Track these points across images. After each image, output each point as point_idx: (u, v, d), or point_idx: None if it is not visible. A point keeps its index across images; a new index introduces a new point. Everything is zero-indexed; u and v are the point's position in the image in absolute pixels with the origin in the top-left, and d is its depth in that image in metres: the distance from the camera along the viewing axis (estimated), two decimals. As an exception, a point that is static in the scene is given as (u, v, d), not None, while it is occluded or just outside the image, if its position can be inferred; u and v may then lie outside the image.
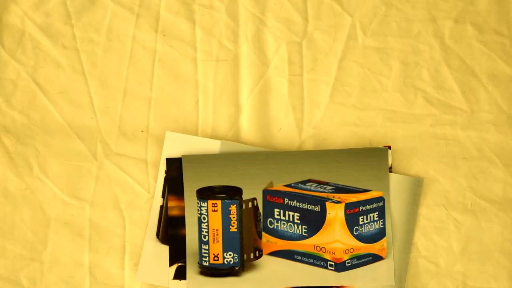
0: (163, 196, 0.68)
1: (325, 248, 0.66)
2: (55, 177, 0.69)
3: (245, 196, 0.66)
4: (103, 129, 0.70)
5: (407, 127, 0.70)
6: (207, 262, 0.66)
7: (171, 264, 0.67)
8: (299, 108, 0.70)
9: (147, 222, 0.69)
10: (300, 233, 0.67)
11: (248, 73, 0.71)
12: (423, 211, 0.69)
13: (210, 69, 0.71)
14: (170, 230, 0.67)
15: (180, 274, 0.67)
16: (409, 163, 0.69)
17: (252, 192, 0.67)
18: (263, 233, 0.68)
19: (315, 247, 0.66)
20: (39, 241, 0.69)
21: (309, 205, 0.65)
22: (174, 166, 0.68)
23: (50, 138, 0.69)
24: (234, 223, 0.65)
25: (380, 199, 0.67)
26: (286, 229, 0.67)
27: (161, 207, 0.68)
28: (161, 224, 0.67)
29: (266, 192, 0.67)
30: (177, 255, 0.67)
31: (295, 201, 0.66)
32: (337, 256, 0.66)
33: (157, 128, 0.70)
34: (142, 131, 0.69)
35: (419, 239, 0.68)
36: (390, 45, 0.71)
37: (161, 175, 0.68)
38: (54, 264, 0.68)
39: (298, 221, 0.66)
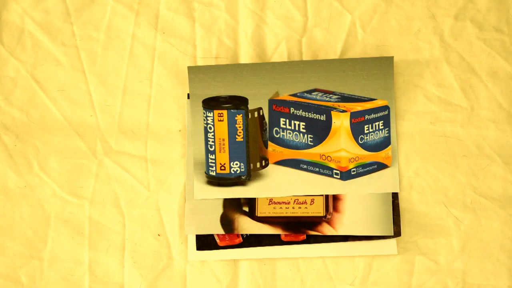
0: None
1: (330, 157, 0.66)
2: (54, 175, 0.69)
3: (251, 106, 0.66)
4: (102, 127, 0.70)
5: (407, 124, 0.70)
6: (214, 172, 0.67)
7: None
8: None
9: (147, 220, 0.69)
10: (306, 142, 0.67)
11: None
12: (423, 208, 0.69)
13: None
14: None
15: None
16: (408, 160, 0.69)
17: (258, 102, 0.68)
18: (269, 143, 0.69)
19: (321, 156, 0.67)
20: (38, 238, 0.69)
21: (314, 115, 0.66)
22: None
23: (49, 135, 0.69)
24: (240, 132, 0.66)
25: (385, 108, 0.67)
26: (292, 139, 0.67)
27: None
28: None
29: (272, 102, 0.68)
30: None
31: (301, 110, 0.66)
32: (343, 164, 0.66)
33: (156, 125, 0.70)
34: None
35: (419, 236, 0.68)
36: (389, 43, 0.71)
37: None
38: (53, 262, 0.68)
39: (304, 131, 0.67)
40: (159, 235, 0.69)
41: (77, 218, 0.69)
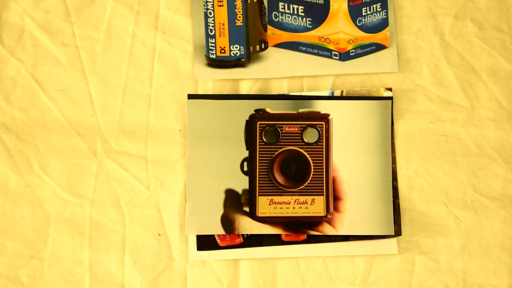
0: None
1: (329, 39, 0.67)
2: (55, 175, 0.69)
3: None
4: (103, 127, 0.70)
5: (407, 124, 0.70)
6: (214, 55, 0.68)
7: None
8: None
9: (147, 219, 0.69)
10: (305, 25, 0.68)
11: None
12: (423, 208, 0.69)
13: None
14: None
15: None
16: (408, 159, 0.69)
17: None
18: (268, 26, 0.70)
19: (320, 38, 0.68)
20: (39, 238, 0.69)
21: None
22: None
23: (50, 135, 0.69)
24: (239, 17, 0.67)
25: None
26: (290, 22, 0.69)
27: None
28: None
29: None
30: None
31: None
32: (341, 46, 0.67)
33: (156, 125, 0.70)
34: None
35: (419, 236, 0.68)
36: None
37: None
38: (54, 262, 0.68)
39: (303, 14, 0.68)
40: (159, 235, 0.69)
41: (78, 218, 0.69)
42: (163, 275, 0.68)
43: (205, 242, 0.68)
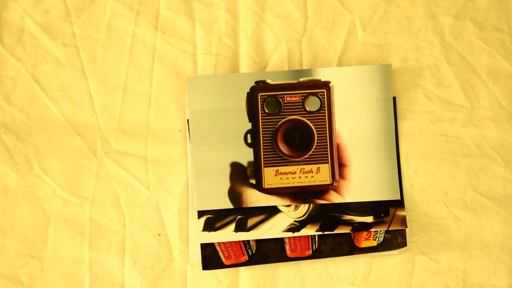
0: None
1: None
2: (55, 175, 0.69)
3: None
4: (103, 127, 0.70)
5: (407, 123, 0.70)
6: None
7: (199, 216, 0.67)
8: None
9: (147, 219, 0.69)
10: None
11: (248, 70, 0.71)
12: (424, 208, 0.69)
13: (210, 66, 0.71)
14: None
15: (209, 227, 0.67)
16: (409, 160, 0.69)
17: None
18: None
19: None
20: (39, 238, 0.69)
21: None
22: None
23: (50, 135, 0.69)
24: None
25: None
26: None
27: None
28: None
29: None
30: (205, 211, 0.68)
31: None
32: None
33: (157, 125, 0.70)
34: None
35: (419, 236, 0.68)
36: (390, 42, 0.71)
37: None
38: (54, 262, 0.68)
39: None
40: (159, 235, 0.69)
41: (78, 218, 0.69)
42: (163, 275, 0.68)
43: (211, 262, 0.67)
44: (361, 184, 0.67)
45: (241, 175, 0.67)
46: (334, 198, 0.67)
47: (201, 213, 0.68)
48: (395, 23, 0.71)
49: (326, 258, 0.68)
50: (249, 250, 0.67)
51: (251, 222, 0.68)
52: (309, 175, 0.67)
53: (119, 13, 0.71)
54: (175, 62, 0.71)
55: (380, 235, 0.67)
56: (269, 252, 0.67)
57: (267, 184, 0.67)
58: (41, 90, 0.70)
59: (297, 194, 0.67)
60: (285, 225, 0.67)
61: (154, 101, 0.70)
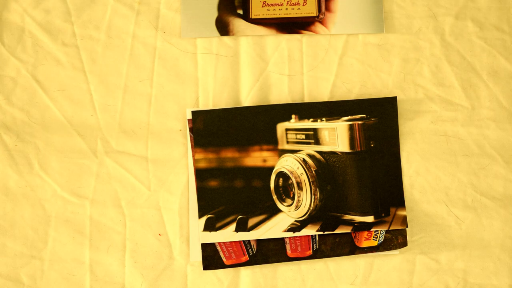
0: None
1: None
2: (55, 175, 0.69)
3: None
4: (103, 126, 0.70)
5: (408, 123, 0.70)
6: None
7: (200, 216, 0.67)
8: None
9: (147, 219, 0.69)
10: None
11: (248, 70, 0.71)
12: (424, 208, 0.69)
13: (210, 66, 0.70)
14: (198, 183, 0.67)
15: (210, 226, 0.67)
16: (409, 159, 0.69)
17: None
18: None
19: None
20: (39, 238, 0.68)
21: None
22: (200, 119, 0.68)
23: (50, 135, 0.69)
24: None
25: None
26: None
27: None
28: None
29: None
30: (206, 207, 0.68)
31: None
32: None
33: (157, 125, 0.70)
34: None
35: (420, 235, 0.68)
36: (390, 42, 0.71)
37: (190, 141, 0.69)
38: (54, 262, 0.68)
39: None
40: (160, 234, 0.69)
41: (78, 218, 0.69)
42: (164, 275, 0.68)
43: (211, 262, 0.67)
44: (347, 17, 0.69)
45: (229, 5, 0.68)
46: (320, 30, 0.68)
47: (202, 213, 0.68)
48: (395, 22, 0.71)
49: (327, 258, 0.68)
50: (249, 250, 0.67)
51: (251, 222, 0.68)
52: (296, 7, 0.68)
53: (119, 13, 0.71)
54: (176, 62, 0.71)
55: (381, 235, 0.67)
56: (269, 252, 0.67)
57: (254, 15, 0.68)
58: (42, 90, 0.70)
59: (283, 25, 0.68)
60: (286, 225, 0.67)
61: (154, 101, 0.70)
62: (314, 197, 0.67)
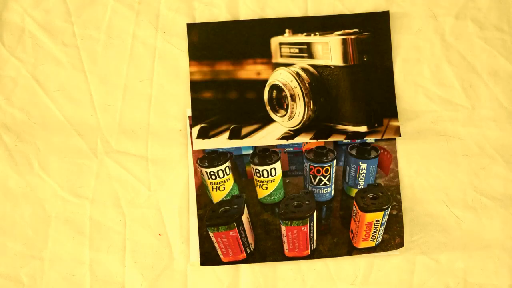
0: None
1: None
2: (55, 175, 0.69)
3: None
4: (103, 126, 0.70)
5: (408, 123, 0.70)
6: None
7: (193, 125, 0.68)
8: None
9: (147, 219, 0.69)
10: None
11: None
12: (424, 208, 0.69)
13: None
14: (192, 94, 0.68)
15: (203, 134, 0.68)
16: (409, 159, 0.69)
17: None
18: None
19: None
20: (39, 238, 0.68)
21: None
22: (195, 32, 0.68)
23: (50, 135, 0.69)
24: None
25: None
26: None
27: None
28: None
29: None
30: (200, 117, 0.68)
31: None
32: None
33: (157, 125, 0.70)
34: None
35: (420, 235, 0.68)
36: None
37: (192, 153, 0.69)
38: (54, 262, 0.68)
39: None
40: (160, 234, 0.69)
41: (78, 218, 0.69)
42: (164, 275, 0.68)
43: (208, 258, 0.68)
44: None
45: None
46: None
47: (195, 123, 0.68)
48: (396, 22, 0.71)
49: (327, 258, 0.68)
50: (247, 248, 0.67)
51: (245, 131, 0.68)
52: None
53: (119, 13, 0.71)
54: (176, 61, 0.71)
55: (379, 236, 0.67)
56: (267, 251, 0.67)
57: None
58: (42, 90, 0.70)
59: None
60: (279, 134, 0.68)
61: (154, 100, 0.70)
62: (308, 109, 0.67)
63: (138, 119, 0.70)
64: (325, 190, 0.69)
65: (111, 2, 0.71)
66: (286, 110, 0.67)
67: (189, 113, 0.69)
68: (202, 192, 0.69)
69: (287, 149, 0.69)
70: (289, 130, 0.68)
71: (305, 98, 0.66)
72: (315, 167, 0.68)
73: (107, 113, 0.70)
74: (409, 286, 0.68)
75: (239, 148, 0.69)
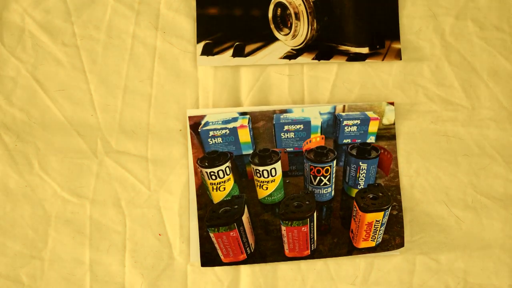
0: None
1: None
2: (55, 175, 0.69)
3: None
4: (103, 126, 0.70)
5: (408, 123, 0.70)
6: None
7: (198, 41, 0.69)
8: (300, 105, 0.70)
9: (147, 219, 0.69)
10: None
11: (248, 70, 0.70)
12: (424, 208, 0.69)
13: (210, 66, 0.70)
14: (198, 10, 0.69)
15: (207, 51, 0.69)
16: (409, 159, 0.69)
17: None
18: None
19: None
20: (39, 238, 0.68)
21: None
22: None
23: (50, 135, 0.69)
24: None
25: None
26: None
27: None
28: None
29: None
30: (205, 33, 0.69)
31: None
32: None
33: (157, 125, 0.70)
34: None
35: (420, 236, 0.68)
36: (390, 42, 0.71)
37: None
38: (54, 262, 0.68)
39: None
40: (160, 234, 0.69)
41: (78, 218, 0.69)
42: (164, 275, 0.68)
43: (209, 259, 0.68)
44: None
45: None
46: None
47: (200, 39, 0.69)
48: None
49: (327, 258, 0.68)
50: (247, 249, 0.67)
51: (248, 48, 0.68)
52: None
53: (119, 13, 0.71)
54: (176, 61, 0.71)
55: (379, 236, 0.67)
56: (267, 251, 0.67)
57: None
58: (42, 90, 0.70)
59: None
60: (282, 53, 0.68)
61: (154, 100, 0.70)
62: (311, 28, 0.67)
63: (138, 119, 0.70)
64: (325, 190, 0.69)
65: (111, 2, 0.71)
66: (290, 28, 0.68)
67: (189, 113, 0.69)
68: (202, 192, 0.68)
69: (287, 149, 0.69)
70: (292, 49, 0.69)
71: (309, 17, 0.67)
72: (315, 167, 0.68)
73: (107, 113, 0.70)
74: (409, 286, 0.68)
75: (239, 148, 0.69)
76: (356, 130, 0.69)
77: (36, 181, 0.69)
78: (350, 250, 0.67)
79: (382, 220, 0.66)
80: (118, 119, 0.70)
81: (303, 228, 0.66)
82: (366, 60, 0.69)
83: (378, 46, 0.68)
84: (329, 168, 0.68)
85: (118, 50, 0.71)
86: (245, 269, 0.68)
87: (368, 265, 0.68)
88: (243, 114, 0.69)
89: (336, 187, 0.69)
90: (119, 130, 0.70)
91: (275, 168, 0.68)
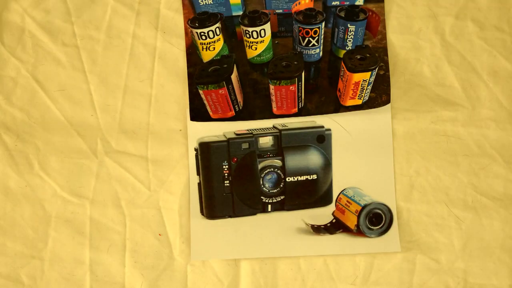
0: (198, 174, 0.68)
1: None
2: (55, 175, 0.69)
3: None
4: (103, 126, 0.70)
5: (408, 123, 0.70)
6: None
7: None
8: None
9: (147, 219, 0.69)
10: None
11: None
12: (424, 208, 0.69)
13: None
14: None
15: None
16: (409, 159, 0.69)
17: None
18: None
19: None
20: (39, 238, 0.69)
21: None
22: None
23: (50, 135, 0.69)
24: None
25: None
26: None
27: (199, 184, 0.68)
28: (203, 201, 0.68)
29: None
30: None
31: None
32: None
33: (157, 125, 0.70)
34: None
35: (420, 235, 0.68)
36: (391, 42, 0.71)
37: (193, 153, 0.69)
38: (54, 262, 0.68)
39: None
40: (160, 234, 0.69)
41: (78, 218, 0.69)
42: (164, 275, 0.68)
43: (198, 114, 0.69)
44: None
45: None
46: None
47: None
48: (396, 22, 0.71)
49: (327, 257, 0.68)
50: (236, 106, 0.69)
51: None
52: None
53: (119, 13, 0.71)
54: (176, 61, 0.71)
55: (366, 94, 0.68)
56: (255, 109, 0.69)
57: None
58: (42, 90, 0.70)
59: None
60: None
61: (154, 101, 0.70)
62: None
63: (138, 119, 0.70)
64: (314, 51, 0.70)
65: (111, 2, 0.71)
66: None
67: (189, 113, 0.69)
68: (192, 51, 0.70)
69: (277, 11, 0.70)
70: None
71: None
72: (304, 28, 0.69)
73: (107, 113, 0.70)
74: (409, 286, 0.68)
75: (229, 9, 0.70)
76: None
77: (36, 181, 0.69)
78: (337, 108, 0.69)
79: (370, 80, 0.67)
80: (118, 119, 0.70)
81: (291, 87, 0.67)
82: None
83: None
84: (317, 29, 0.69)
85: (118, 50, 0.71)
86: (245, 268, 0.68)
87: (368, 265, 0.68)
88: None
89: (324, 48, 0.71)
90: (119, 130, 0.70)
91: (264, 29, 0.69)
